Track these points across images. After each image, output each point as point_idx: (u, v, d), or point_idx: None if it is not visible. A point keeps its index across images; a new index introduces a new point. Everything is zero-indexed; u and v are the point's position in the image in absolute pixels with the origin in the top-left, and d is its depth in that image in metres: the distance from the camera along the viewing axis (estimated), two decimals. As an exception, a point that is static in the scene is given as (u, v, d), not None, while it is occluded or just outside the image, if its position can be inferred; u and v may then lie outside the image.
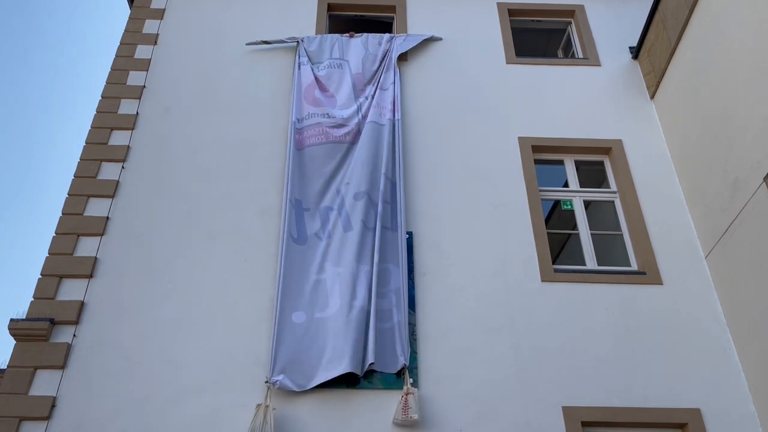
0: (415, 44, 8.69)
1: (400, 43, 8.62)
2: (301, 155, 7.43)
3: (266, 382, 5.96)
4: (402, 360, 6.09)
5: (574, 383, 6.22)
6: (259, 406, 5.77)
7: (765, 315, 6.06)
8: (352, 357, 5.95)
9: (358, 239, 6.69)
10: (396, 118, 7.76)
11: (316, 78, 8.16)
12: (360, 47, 8.62)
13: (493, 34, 9.17)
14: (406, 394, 5.83)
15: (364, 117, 7.74)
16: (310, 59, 8.44)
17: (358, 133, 7.59)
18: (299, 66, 8.32)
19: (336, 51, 8.61)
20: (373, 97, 7.98)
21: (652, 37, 8.50)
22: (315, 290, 6.49)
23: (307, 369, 6.02)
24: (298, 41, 8.65)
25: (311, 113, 7.80)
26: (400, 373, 6.08)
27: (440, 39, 8.89)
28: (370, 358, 5.99)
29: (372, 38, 8.74)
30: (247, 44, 8.68)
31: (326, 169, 7.33)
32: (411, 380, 5.98)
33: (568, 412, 6.05)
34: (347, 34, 8.83)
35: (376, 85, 8.18)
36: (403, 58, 8.78)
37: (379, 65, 8.42)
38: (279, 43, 8.70)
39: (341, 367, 5.90)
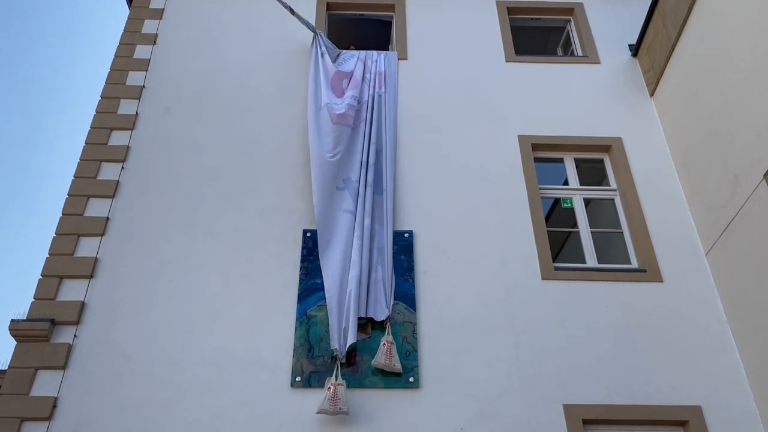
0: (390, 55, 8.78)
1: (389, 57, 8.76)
2: (344, 130, 7.60)
3: (334, 356, 6.14)
4: (387, 311, 6.43)
5: (575, 381, 6.22)
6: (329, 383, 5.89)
7: (765, 312, 6.06)
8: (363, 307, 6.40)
9: (362, 204, 7.06)
10: (379, 91, 8.12)
11: (336, 71, 8.34)
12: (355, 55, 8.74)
13: (492, 33, 9.17)
14: (390, 343, 6.17)
15: (371, 93, 8.10)
16: (327, 51, 8.55)
17: (368, 109, 7.94)
18: (321, 55, 8.43)
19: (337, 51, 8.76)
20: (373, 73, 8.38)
21: (652, 34, 8.50)
22: (346, 259, 6.71)
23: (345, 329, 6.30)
24: (316, 31, 8.72)
25: (340, 102, 7.95)
26: (383, 324, 6.39)
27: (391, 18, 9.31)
28: (362, 312, 6.32)
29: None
30: None
31: (354, 148, 7.54)
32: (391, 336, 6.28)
33: (569, 410, 6.05)
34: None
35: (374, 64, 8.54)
36: (402, 57, 8.80)
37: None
38: (300, 20, 8.66)
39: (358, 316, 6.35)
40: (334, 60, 8.55)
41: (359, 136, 7.65)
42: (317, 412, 5.82)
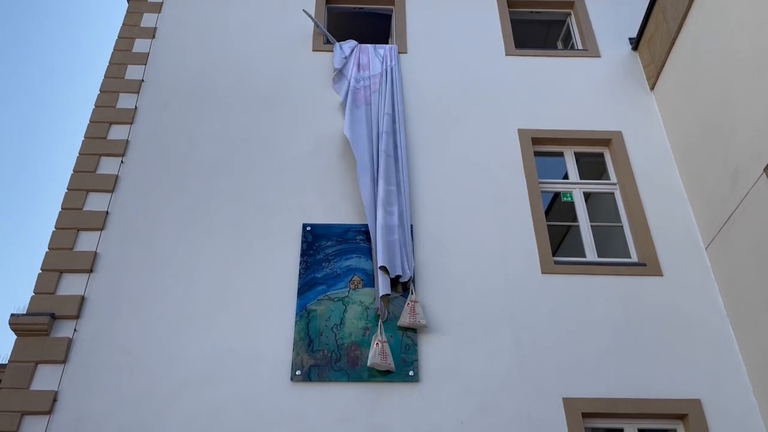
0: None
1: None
2: (360, 111, 7.92)
3: (377, 314, 6.43)
4: (408, 273, 6.62)
5: (575, 375, 6.23)
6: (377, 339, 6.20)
7: (765, 305, 6.06)
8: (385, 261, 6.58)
9: (375, 168, 7.36)
10: (391, 64, 8.44)
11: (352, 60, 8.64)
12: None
13: (492, 26, 9.14)
14: (414, 302, 6.40)
15: (384, 67, 8.41)
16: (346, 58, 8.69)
17: (384, 81, 8.23)
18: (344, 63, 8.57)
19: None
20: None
21: (652, 27, 8.47)
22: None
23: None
24: (335, 43, 8.80)
25: (362, 76, 8.32)
26: (406, 285, 6.63)
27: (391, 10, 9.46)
28: (380, 262, 6.52)
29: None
30: (303, 10, 8.98)
31: (372, 118, 7.84)
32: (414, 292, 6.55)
33: (569, 403, 6.06)
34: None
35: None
36: (402, 50, 8.79)
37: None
38: (323, 32, 8.90)
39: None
40: (351, 52, 8.65)
41: (372, 108, 7.93)
42: (369, 365, 6.06)
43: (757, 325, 6.17)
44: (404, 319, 6.33)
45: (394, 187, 7.17)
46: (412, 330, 6.38)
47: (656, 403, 6.11)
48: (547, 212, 7.79)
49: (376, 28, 9.73)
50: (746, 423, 6.03)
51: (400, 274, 6.55)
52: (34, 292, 6.53)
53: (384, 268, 6.53)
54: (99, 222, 7.03)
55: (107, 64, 8.53)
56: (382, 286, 6.47)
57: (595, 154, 8.13)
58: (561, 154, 8.06)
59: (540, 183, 7.61)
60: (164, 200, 7.26)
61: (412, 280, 6.63)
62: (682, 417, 6.12)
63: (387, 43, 9.47)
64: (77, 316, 6.42)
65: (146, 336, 6.32)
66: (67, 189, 7.28)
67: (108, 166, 7.51)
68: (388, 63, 8.45)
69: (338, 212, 7.20)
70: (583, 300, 6.69)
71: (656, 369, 6.29)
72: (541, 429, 5.92)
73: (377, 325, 6.41)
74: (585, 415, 6.05)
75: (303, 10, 8.99)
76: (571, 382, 6.19)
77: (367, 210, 7.01)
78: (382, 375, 6.12)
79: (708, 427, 5.98)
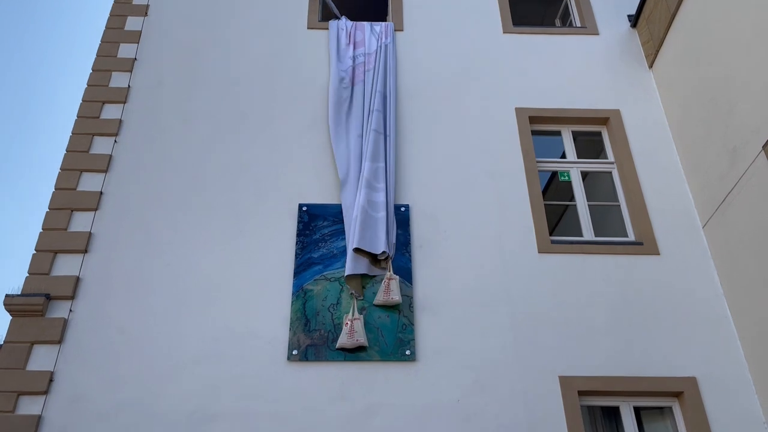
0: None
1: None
2: (356, 91, 7.94)
3: (351, 293, 6.43)
4: (387, 250, 6.59)
5: (571, 353, 6.25)
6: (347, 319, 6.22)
7: (761, 284, 6.06)
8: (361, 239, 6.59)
9: (363, 145, 7.35)
10: (386, 41, 8.38)
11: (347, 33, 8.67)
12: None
13: (489, 3, 9.03)
14: (389, 279, 6.40)
15: (379, 44, 8.38)
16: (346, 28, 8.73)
17: (377, 58, 8.21)
18: (340, 32, 8.60)
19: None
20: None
21: (651, 4, 8.38)
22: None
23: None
24: (339, 16, 8.93)
25: (356, 54, 8.33)
26: (386, 260, 6.62)
27: None
28: (355, 243, 6.48)
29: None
30: None
31: (366, 97, 7.84)
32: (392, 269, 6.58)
33: (565, 381, 6.08)
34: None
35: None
36: (399, 28, 8.68)
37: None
38: (331, 7, 8.98)
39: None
40: (343, 30, 8.60)
41: (365, 86, 7.87)
42: (337, 348, 6.08)
43: (753, 303, 6.18)
44: (379, 297, 6.35)
45: (383, 164, 7.12)
46: (409, 309, 6.38)
47: (652, 381, 6.13)
48: (544, 191, 7.76)
49: (373, 5, 9.61)
50: (742, 400, 6.06)
51: (386, 250, 6.54)
52: (28, 272, 6.50)
53: (358, 250, 6.52)
54: (93, 202, 6.98)
55: (99, 42, 8.42)
56: (352, 266, 6.45)
57: (593, 133, 8.08)
58: (558, 133, 8.00)
59: (537, 162, 7.56)
60: (159, 180, 7.20)
61: (389, 256, 6.61)
62: (677, 395, 6.15)
63: (384, 20, 9.35)
64: (72, 297, 6.40)
65: (142, 316, 6.30)
66: (61, 169, 7.22)
67: (101, 145, 7.44)
68: (383, 40, 8.33)
69: (334, 192, 7.15)
70: (580, 279, 6.69)
71: (652, 347, 6.31)
72: (538, 407, 5.95)
73: (372, 305, 6.41)
74: (581, 393, 6.08)
75: None
76: (567, 360, 6.21)
77: (344, 190, 6.96)
78: (379, 354, 6.12)
79: (703, 405, 6.01)
